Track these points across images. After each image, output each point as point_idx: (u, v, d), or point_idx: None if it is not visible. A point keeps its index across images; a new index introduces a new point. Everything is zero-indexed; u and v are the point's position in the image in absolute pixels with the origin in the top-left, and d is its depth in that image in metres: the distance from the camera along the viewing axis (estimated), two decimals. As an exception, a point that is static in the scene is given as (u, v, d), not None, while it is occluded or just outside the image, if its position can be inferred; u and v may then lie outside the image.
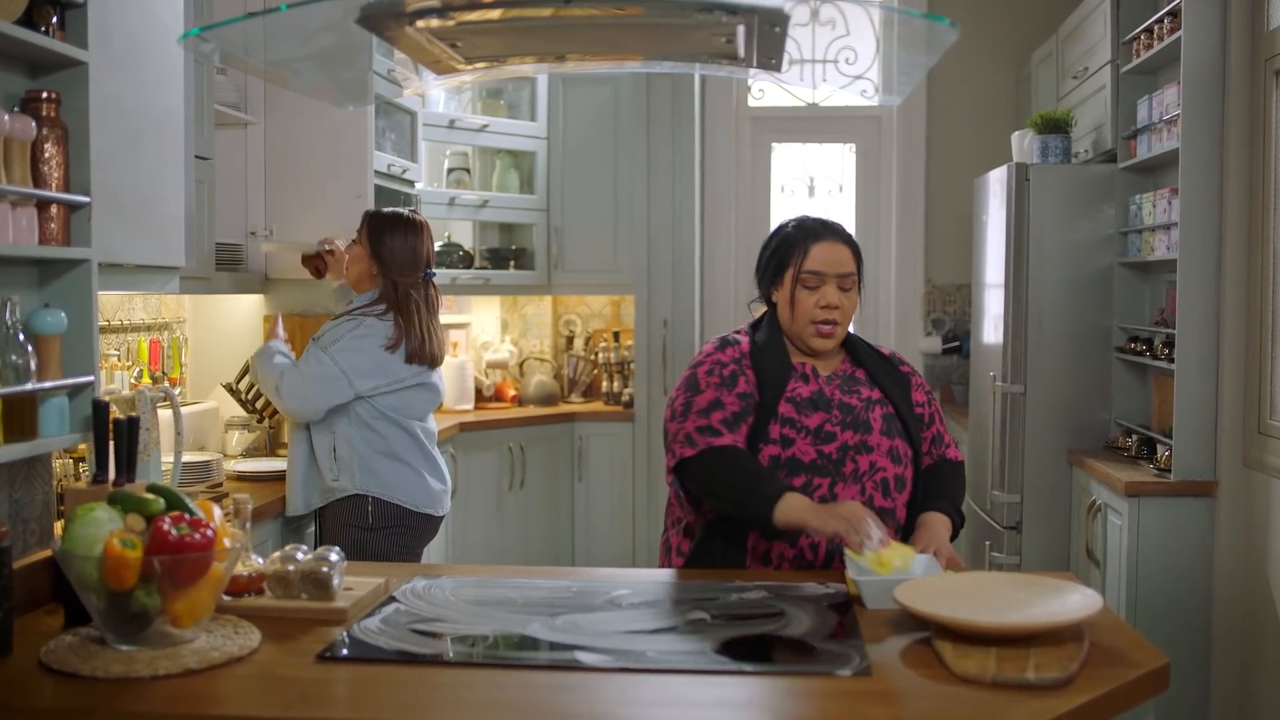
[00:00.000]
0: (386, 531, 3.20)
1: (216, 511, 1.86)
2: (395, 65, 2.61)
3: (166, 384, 3.67)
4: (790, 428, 2.35)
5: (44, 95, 2.06)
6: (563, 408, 5.51)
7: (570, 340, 5.85)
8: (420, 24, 1.81)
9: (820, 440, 2.35)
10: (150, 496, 1.81)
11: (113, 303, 3.45)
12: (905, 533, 2.40)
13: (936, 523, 2.37)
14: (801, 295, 2.42)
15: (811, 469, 2.34)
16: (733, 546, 2.35)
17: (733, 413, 2.33)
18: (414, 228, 3.29)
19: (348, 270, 3.34)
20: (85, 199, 2.12)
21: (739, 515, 2.29)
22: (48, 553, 2.09)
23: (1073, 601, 1.86)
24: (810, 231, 2.45)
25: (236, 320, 4.15)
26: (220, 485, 3.27)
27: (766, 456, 2.34)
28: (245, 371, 3.85)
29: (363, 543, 3.17)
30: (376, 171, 4.15)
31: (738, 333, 2.52)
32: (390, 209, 3.37)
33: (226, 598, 1.97)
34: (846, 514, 2.15)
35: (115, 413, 2.21)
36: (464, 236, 5.55)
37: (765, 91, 5.90)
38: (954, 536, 2.39)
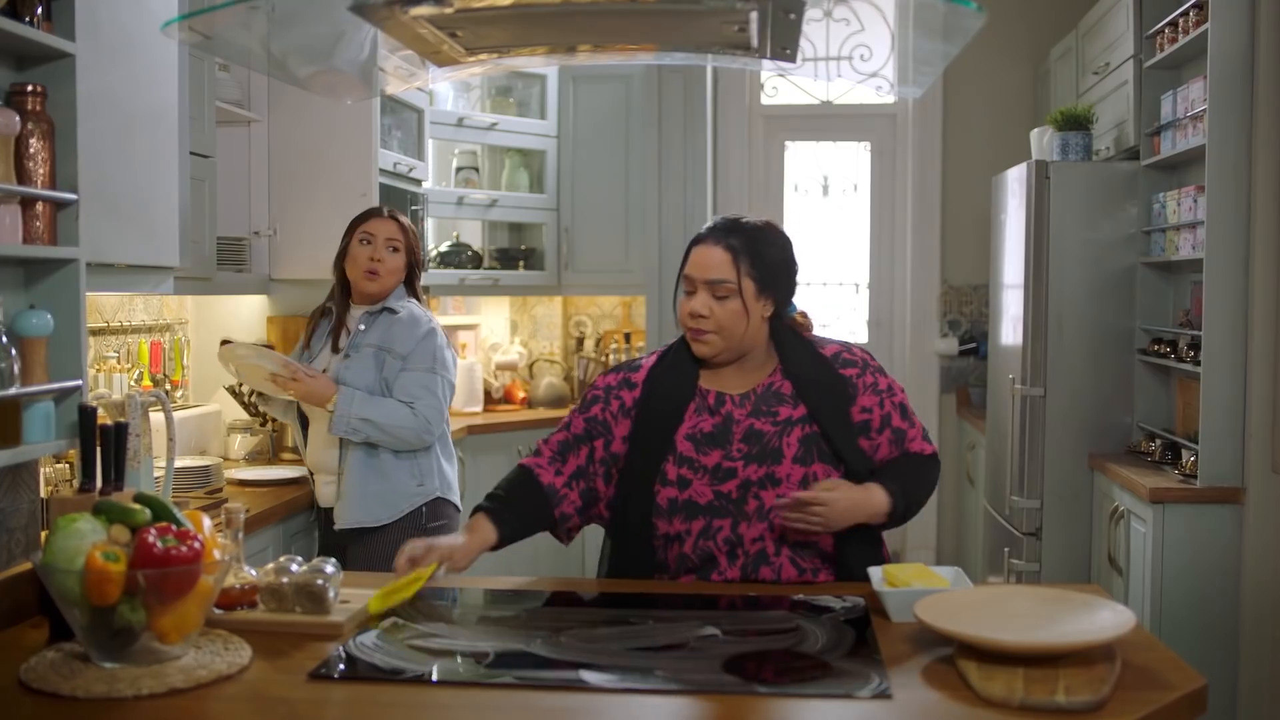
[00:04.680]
0: (439, 529, 3.13)
1: (206, 522, 1.78)
2: (398, 58, 2.53)
3: (167, 386, 3.60)
4: (688, 467, 2.19)
5: (29, 88, 2.00)
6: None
7: (581, 341, 5.77)
8: (415, 11, 1.73)
9: (718, 479, 2.18)
10: (136, 506, 1.73)
11: (112, 304, 3.38)
12: (840, 563, 2.20)
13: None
14: (681, 300, 2.26)
15: (709, 511, 2.18)
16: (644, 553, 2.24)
17: (559, 441, 2.42)
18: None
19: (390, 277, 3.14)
20: (72, 196, 2.05)
21: None
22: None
23: (1104, 619, 1.77)
24: (700, 234, 2.26)
25: (240, 321, 4.07)
26: (220, 491, 3.19)
27: (665, 499, 2.20)
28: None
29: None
30: (382, 170, 4.08)
31: (663, 348, 2.36)
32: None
33: (218, 611, 1.90)
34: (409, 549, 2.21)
35: (103, 418, 2.13)
36: (473, 236, 5.47)
37: (779, 89, 5.80)
38: (893, 519, 2.19)
